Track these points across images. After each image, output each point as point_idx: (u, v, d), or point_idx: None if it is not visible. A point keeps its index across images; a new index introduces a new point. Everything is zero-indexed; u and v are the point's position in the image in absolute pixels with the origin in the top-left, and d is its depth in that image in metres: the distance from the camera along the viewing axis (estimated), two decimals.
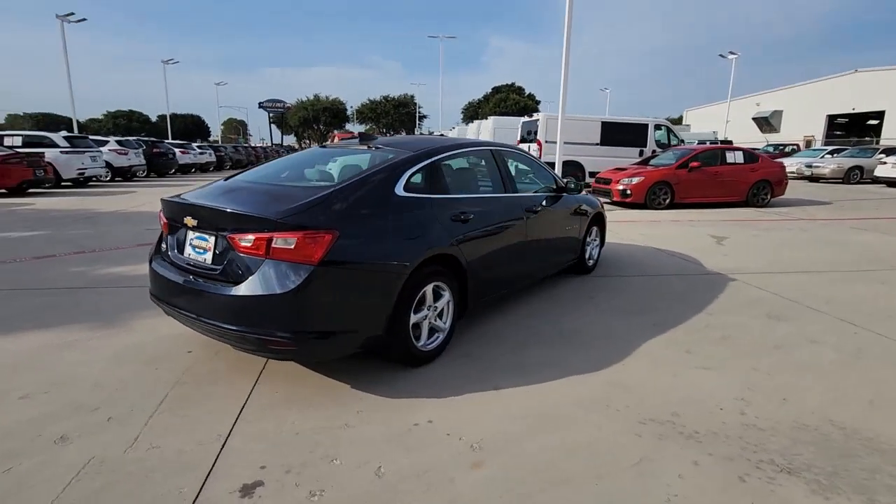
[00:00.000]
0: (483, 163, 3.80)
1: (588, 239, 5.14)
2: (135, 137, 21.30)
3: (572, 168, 13.85)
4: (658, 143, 14.60)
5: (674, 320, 3.91)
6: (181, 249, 2.79)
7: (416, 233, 2.84)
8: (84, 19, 23.73)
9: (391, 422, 2.41)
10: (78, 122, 25.85)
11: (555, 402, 2.62)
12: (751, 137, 40.25)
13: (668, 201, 11.23)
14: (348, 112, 71.04)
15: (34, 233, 7.30)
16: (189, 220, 2.65)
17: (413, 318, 2.86)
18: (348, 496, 1.90)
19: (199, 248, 2.66)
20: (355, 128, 67.65)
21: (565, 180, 4.72)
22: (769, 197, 11.73)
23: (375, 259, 2.59)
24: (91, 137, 16.73)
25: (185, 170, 23.85)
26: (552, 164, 13.18)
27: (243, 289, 2.38)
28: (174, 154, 21.44)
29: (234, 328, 2.40)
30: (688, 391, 2.77)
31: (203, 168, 26.14)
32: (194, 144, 25.60)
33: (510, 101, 61.04)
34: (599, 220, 5.34)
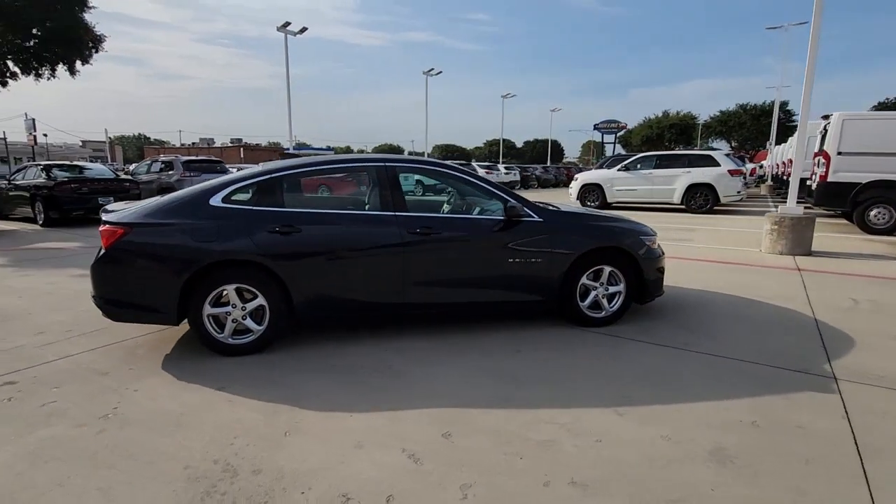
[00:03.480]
0: (357, 179, 3.67)
1: (589, 282, 3.93)
2: (449, 161, 26.42)
3: (885, 190, 9.17)
4: None
5: (536, 401, 2.79)
6: None
7: (217, 237, 3.27)
8: (440, 72, 31.06)
9: (113, 384, 3.03)
10: (464, 149, 33.74)
11: (205, 418, 2.63)
12: None
13: None
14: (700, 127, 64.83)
15: None
16: None
17: (210, 311, 3.33)
18: (20, 412, 2.72)
19: None
20: (712, 144, 61.21)
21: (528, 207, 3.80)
22: None
23: (162, 253, 3.24)
24: None
25: None
26: (840, 185, 9.27)
27: None
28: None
29: None
30: (325, 463, 2.21)
31: (509, 186, 29.79)
32: (500, 166, 29.45)
33: None
34: (623, 262, 3.95)
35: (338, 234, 3.49)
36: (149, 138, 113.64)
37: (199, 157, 13.34)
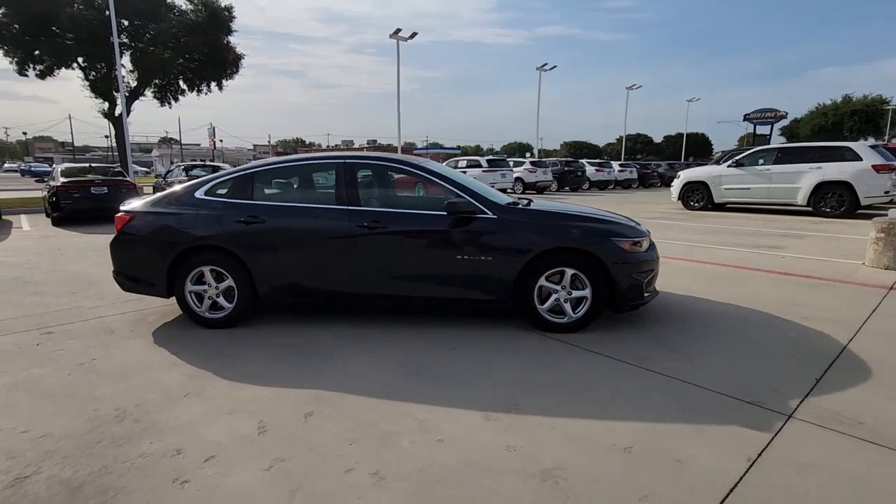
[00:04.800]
0: (320, 175, 3.90)
1: (550, 285, 3.71)
2: (552, 159, 25.54)
3: None
4: None
5: (420, 396, 2.80)
6: None
7: (195, 225, 3.83)
8: (555, 67, 30.11)
9: (109, 341, 3.73)
10: (595, 146, 32.68)
11: (146, 375, 3.13)
12: None
13: None
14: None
15: None
16: None
17: (191, 288, 3.90)
18: (34, 354, 3.54)
19: None
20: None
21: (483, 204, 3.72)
22: None
23: (153, 236, 3.88)
24: (511, 159, 21.83)
25: (603, 186, 26.28)
26: None
27: None
28: (583, 171, 24.26)
29: None
30: (191, 422, 2.54)
31: (624, 185, 27.87)
32: (615, 163, 27.64)
33: None
34: (588, 265, 3.65)
35: (294, 226, 3.82)
36: (304, 141, 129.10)
37: None
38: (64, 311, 4.47)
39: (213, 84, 19.62)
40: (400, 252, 3.78)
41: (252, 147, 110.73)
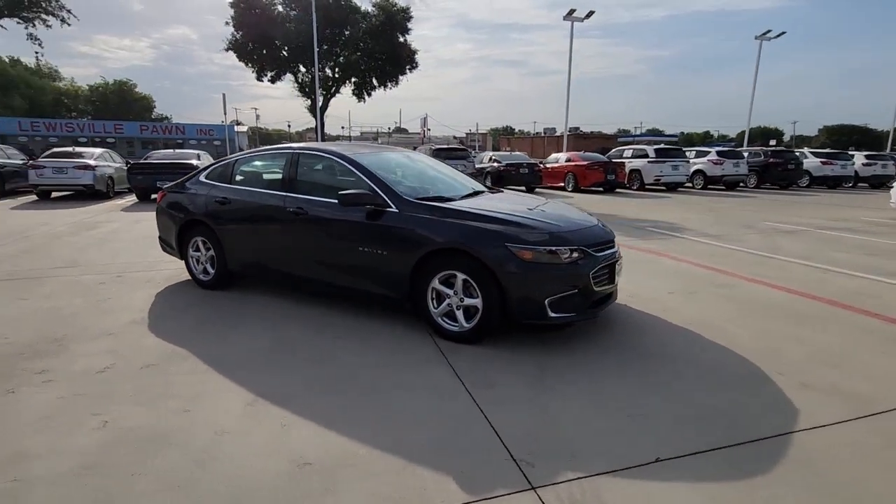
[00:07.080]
0: (276, 164, 4.26)
1: (443, 288, 3.43)
2: (755, 148, 20.81)
3: None
4: None
5: (234, 370, 3.03)
6: None
7: (193, 203, 4.69)
8: (783, 33, 24.29)
9: (135, 289, 4.87)
10: (873, 131, 26.52)
11: (116, 315, 4.05)
12: None
13: None
14: None
15: None
16: None
17: (191, 253, 4.82)
18: (82, 289, 4.91)
19: None
20: None
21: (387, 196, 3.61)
22: None
23: (172, 210, 4.88)
24: (692, 149, 18.79)
25: (833, 183, 20.52)
26: None
27: None
28: (798, 164, 19.29)
29: None
30: (78, 358, 3.29)
31: (873, 182, 21.24)
32: (858, 154, 21.15)
33: None
34: (480, 270, 3.25)
35: (249, 208, 4.35)
36: (513, 129, 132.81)
37: (448, 146, 15.83)
38: (148, 262, 5.96)
39: (394, 80, 22.30)
40: (319, 239, 3.99)
41: (465, 135, 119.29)
